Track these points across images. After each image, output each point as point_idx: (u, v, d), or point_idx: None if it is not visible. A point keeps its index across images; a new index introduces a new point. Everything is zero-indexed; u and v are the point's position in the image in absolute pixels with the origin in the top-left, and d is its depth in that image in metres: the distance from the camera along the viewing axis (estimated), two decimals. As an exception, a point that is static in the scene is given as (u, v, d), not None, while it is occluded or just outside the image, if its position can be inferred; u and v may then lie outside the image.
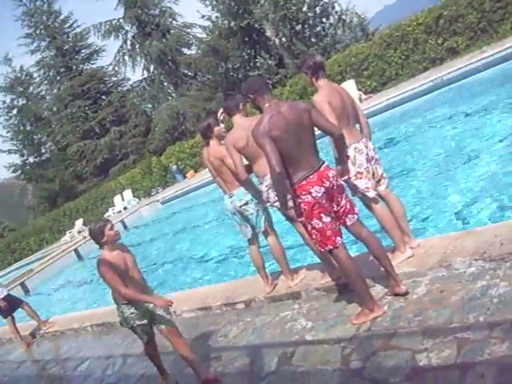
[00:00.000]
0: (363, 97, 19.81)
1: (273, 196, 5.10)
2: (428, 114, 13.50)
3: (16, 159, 48.92)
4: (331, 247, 4.19)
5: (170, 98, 41.16)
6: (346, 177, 4.47)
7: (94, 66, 45.23)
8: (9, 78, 47.31)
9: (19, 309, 9.75)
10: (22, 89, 47.53)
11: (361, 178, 4.72)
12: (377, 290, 4.61)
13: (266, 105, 4.22)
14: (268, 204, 5.41)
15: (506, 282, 3.81)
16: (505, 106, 10.55)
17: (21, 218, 58.90)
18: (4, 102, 47.46)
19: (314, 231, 4.20)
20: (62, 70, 44.08)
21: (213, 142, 5.59)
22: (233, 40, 32.03)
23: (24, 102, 47.58)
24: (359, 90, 20.19)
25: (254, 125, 4.32)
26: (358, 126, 5.00)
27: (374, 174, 4.84)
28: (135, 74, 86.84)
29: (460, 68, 15.81)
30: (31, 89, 47.85)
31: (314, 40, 29.72)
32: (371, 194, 4.76)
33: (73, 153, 42.51)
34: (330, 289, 5.10)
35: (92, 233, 4.58)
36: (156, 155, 31.93)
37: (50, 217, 39.12)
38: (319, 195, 4.09)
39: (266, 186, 5.19)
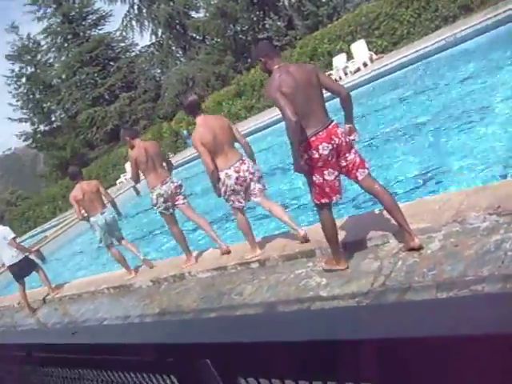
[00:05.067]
0: (374, 57, 19.56)
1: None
2: (441, 72, 13.30)
3: (27, 128, 48.70)
4: (324, 201, 4.42)
5: (179, 63, 40.84)
6: (353, 136, 4.51)
7: (101, 32, 44.97)
8: (16, 46, 46.90)
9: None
10: (29, 57, 47.10)
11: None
12: (391, 245, 4.63)
13: (276, 67, 4.43)
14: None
15: (520, 236, 3.82)
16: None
17: (33, 186, 59.50)
18: (13, 71, 47.10)
19: (314, 185, 4.41)
20: (69, 36, 43.83)
21: None
22: (241, 2, 31.58)
23: (32, 70, 47.19)
24: (370, 50, 19.91)
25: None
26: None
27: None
28: (143, 38, 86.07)
29: (473, 25, 15.49)
30: (39, 56, 47.41)
31: (323, 0, 29.21)
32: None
33: (83, 120, 42.52)
34: (344, 246, 5.11)
35: None
36: (166, 120, 31.80)
37: (63, 184, 39.18)
38: (326, 152, 4.24)
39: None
